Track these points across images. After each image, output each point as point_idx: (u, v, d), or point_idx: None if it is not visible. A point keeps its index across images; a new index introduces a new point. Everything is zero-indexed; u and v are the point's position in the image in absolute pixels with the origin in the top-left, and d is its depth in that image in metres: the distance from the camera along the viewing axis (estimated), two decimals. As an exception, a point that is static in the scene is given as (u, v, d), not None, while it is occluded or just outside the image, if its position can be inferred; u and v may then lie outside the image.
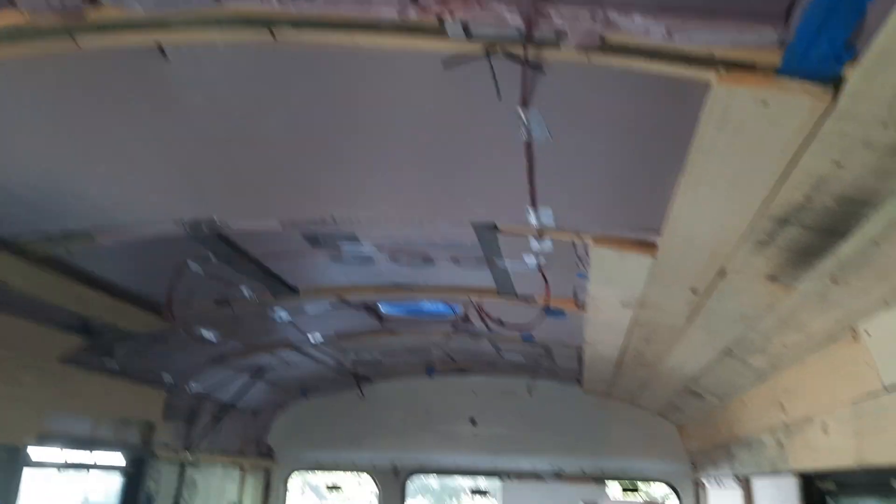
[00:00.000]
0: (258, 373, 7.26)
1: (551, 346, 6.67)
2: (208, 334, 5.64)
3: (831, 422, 3.85)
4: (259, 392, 7.88)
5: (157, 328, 5.21)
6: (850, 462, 3.63)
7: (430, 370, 8.53)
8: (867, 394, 3.37)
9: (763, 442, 5.17)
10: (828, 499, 4.40)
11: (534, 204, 3.20)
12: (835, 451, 3.82)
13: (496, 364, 8.19)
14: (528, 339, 6.31)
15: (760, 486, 5.61)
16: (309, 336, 6.36)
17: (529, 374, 8.18)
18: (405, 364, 8.20)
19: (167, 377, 6.32)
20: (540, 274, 4.35)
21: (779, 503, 5.07)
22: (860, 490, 3.99)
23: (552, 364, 7.56)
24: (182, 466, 6.98)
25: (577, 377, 8.03)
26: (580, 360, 6.96)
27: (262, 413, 8.46)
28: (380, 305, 5.84)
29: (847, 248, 2.77)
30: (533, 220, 3.38)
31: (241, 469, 8.27)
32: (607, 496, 8.27)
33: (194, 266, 4.41)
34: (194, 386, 6.82)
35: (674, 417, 8.12)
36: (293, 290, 5.08)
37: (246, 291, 4.98)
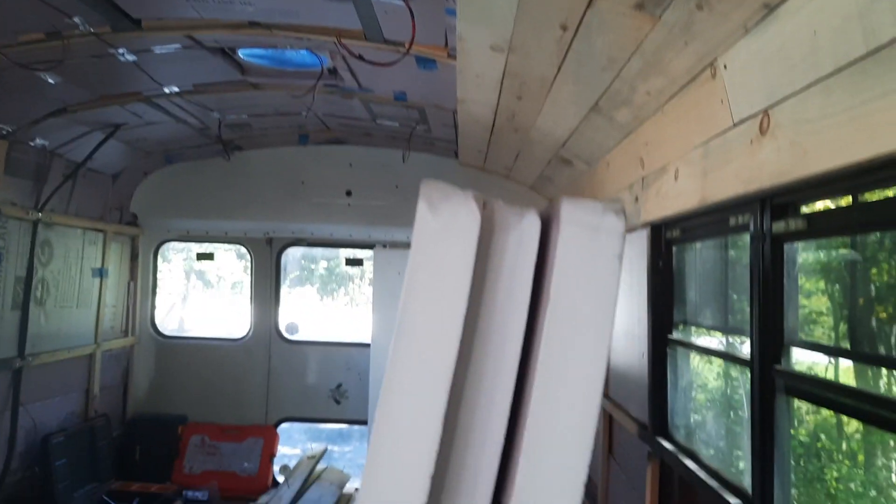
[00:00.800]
0: (112, 130, 6.75)
1: (426, 108, 6.48)
2: (43, 74, 5.07)
3: (682, 167, 3.94)
4: (117, 154, 7.41)
5: (-22, 62, 4.62)
6: (695, 203, 3.76)
7: (303, 138, 8.24)
8: (717, 133, 3.41)
9: (622, 200, 5.34)
10: (673, 247, 4.64)
11: None
12: (682, 195, 3.94)
13: (372, 134, 7.99)
14: (400, 98, 6.09)
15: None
16: (164, 87, 5.87)
17: (405, 143, 8.05)
18: (276, 130, 7.86)
19: (4, 127, 5.76)
20: (406, 7, 4.04)
21: (630, 257, 5.34)
22: (701, 233, 4.19)
23: (428, 132, 7.42)
24: (34, 226, 6.61)
25: (453, 149, 7.98)
26: (456, 128, 6.85)
27: (122, 177, 8.02)
28: (239, 52, 5.40)
29: (714, -41, 2.63)
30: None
31: (104, 235, 7.96)
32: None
33: (6, -22, 3.81)
34: (40, 141, 6.29)
35: (546, 191, 8.32)
36: (134, 23, 4.55)
37: (79, 21, 4.42)
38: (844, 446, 4.59)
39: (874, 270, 3.40)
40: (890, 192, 2.42)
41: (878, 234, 3.16)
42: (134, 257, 8.69)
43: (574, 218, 1.38)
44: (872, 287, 3.44)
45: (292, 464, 8.54)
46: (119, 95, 6.00)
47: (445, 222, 1.27)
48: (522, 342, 1.38)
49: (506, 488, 1.36)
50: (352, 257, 9.37)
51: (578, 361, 1.36)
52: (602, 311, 1.38)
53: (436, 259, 1.28)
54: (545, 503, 1.31)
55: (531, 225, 1.40)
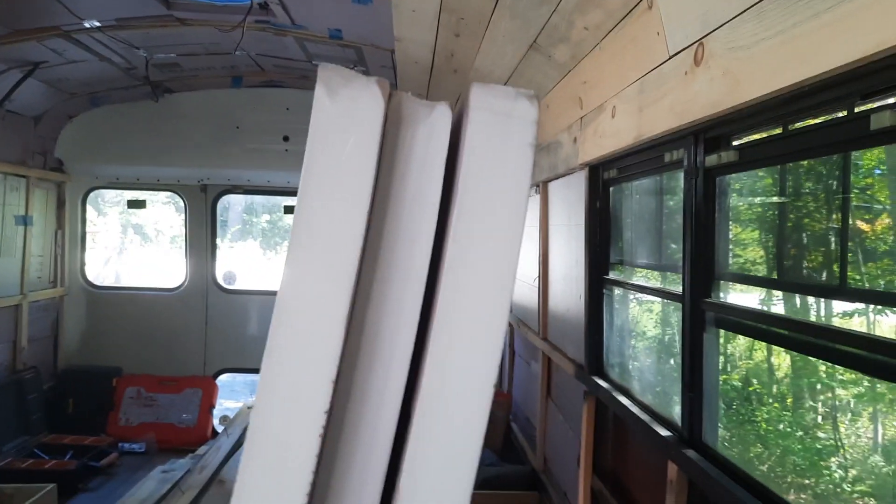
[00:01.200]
0: (31, 68, 6.37)
1: (363, 47, 6.28)
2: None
3: (619, 104, 3.90)
4: (38, 94, 7.02)
5: None
6: (630, 141, 3.73)
7: (236, 80, 7.94)
8: (653, 67, 3.36)
9: (560, 142, 5.30)
10: (610, 187, 4.63)
11: None
12: (619, 133, 3.91)
13: (309, 76, 7.74)
14: (336, 36, 5.88)
15: (554, 189, 5.87)
16: (84, 21, 5.54)
17: (343, 86, 7.82)
18: (208, 71, 7.55)
19: None
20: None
21: (569, 200, 5.32)
22: (637, 172, 4.18)
23: (366, 74, 7.22)
24: (-52, 171, 6.27)
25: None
26: (394, 69, 6.68)
27: (45, 120, 7.62)
28: (163, -17, 5.11)
29: None
30: None
31: (27, 181, 7.58)
32: None
33: None
34: (-50, 79, 5.91)
35: (487, 137, 8.22)
36: (45, -54, 4.25)
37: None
38: (774, 389, 4.72)
39: (807, 221, 3.44)
40: (817, 120, 2.42)
41: (812, 185, 3.19)
42: (61, 205, 8.33)
43: (484, 103, 1.30)
44: (804, 235, 3.48)
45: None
46: (36, 30, 5.65)
47: (346, 108, 1.19)
48: (433, 244, 1.32)
49: (413, 397, 1.31)
50: (291, 205, 9.16)
51: (490, 253, 1.29)
52: (514, 201, 1.32)
53: (335, 149, 1.20)
54: (453, 404, 1.26)
55: (442, 116, 1.32)
